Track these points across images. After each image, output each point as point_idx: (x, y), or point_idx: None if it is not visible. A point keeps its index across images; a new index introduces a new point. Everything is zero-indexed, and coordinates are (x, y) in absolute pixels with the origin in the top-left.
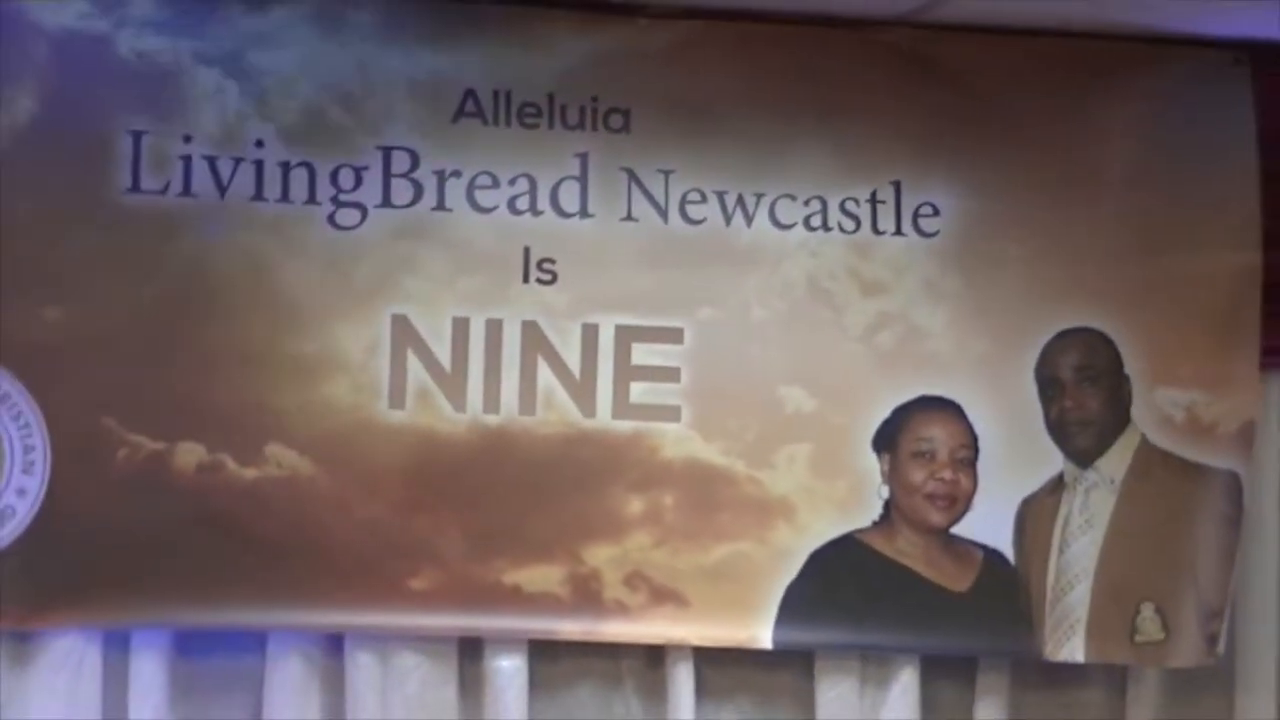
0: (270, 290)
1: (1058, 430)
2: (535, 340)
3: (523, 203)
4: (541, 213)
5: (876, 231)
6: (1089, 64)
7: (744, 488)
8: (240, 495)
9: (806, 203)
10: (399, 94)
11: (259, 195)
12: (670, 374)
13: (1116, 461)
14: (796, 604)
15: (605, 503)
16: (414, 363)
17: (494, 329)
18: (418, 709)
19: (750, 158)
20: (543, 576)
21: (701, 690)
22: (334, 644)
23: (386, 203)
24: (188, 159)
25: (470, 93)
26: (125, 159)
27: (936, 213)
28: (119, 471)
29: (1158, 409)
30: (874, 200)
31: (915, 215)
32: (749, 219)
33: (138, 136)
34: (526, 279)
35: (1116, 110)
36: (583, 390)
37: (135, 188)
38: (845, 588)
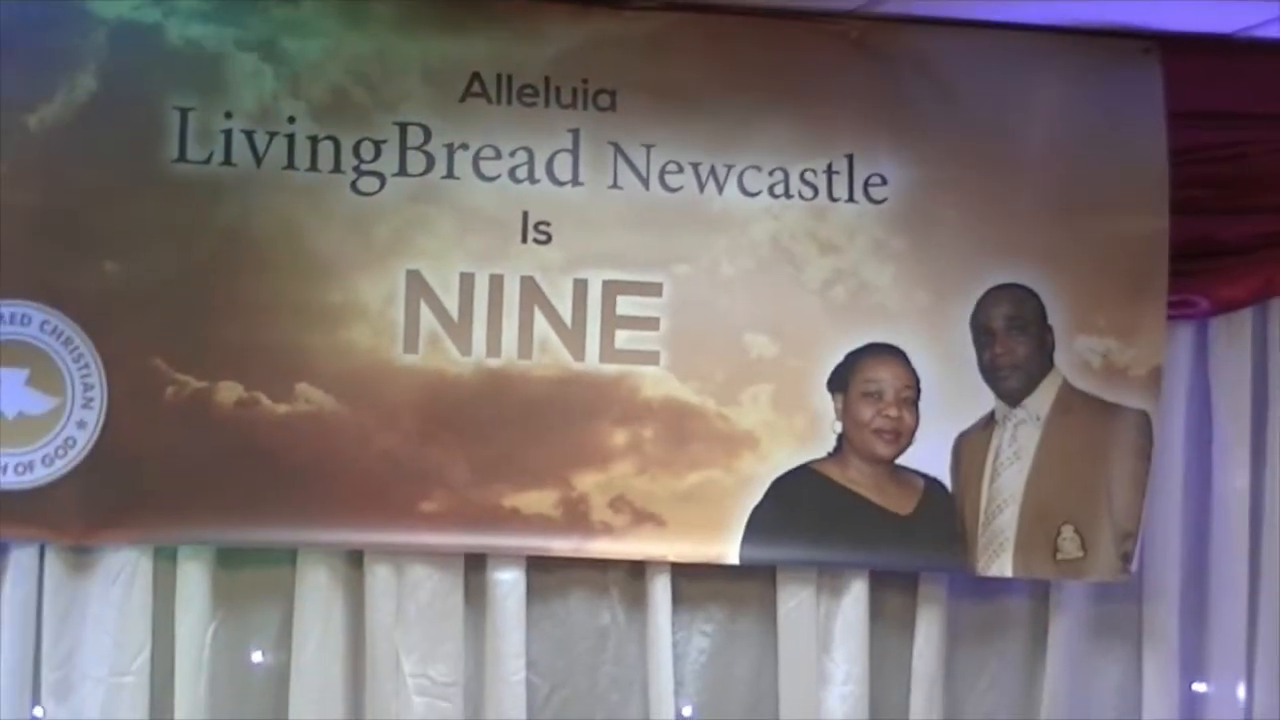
0: (300, 248)
1: (989, 373)
2: (532, 293)
3: (522, 172)
4: (538, 181)
5: (832, 198)
6: (1017, 51)
7: (714, 423)
8: (273, 428)
9: (770, 173)
10: (414, 77)
11: (291, 165)
12: (650, 323)
13: (1041, 401)
14: (760, 525)
15: (593, 436)
16: (426, 312)
17: (496, 283)
18: (429, 615)
19: (721, 133)
20: (538, 500)
21: (677, 599)
22: (355, 556)
23: (402, 172)
24: (228, 133)
25: (476, 75)
26: (173, 133)
27: (884, 182)
28: (167, 407)
29: (1077, 355)
30: (830, 171)
31: (866, 184)
32: (720, 187)
33: (184, 113)
34: (525, 239)
35: (1041, 92)
36: (573, 337)
37: (182, 158)
38: (803, 511)
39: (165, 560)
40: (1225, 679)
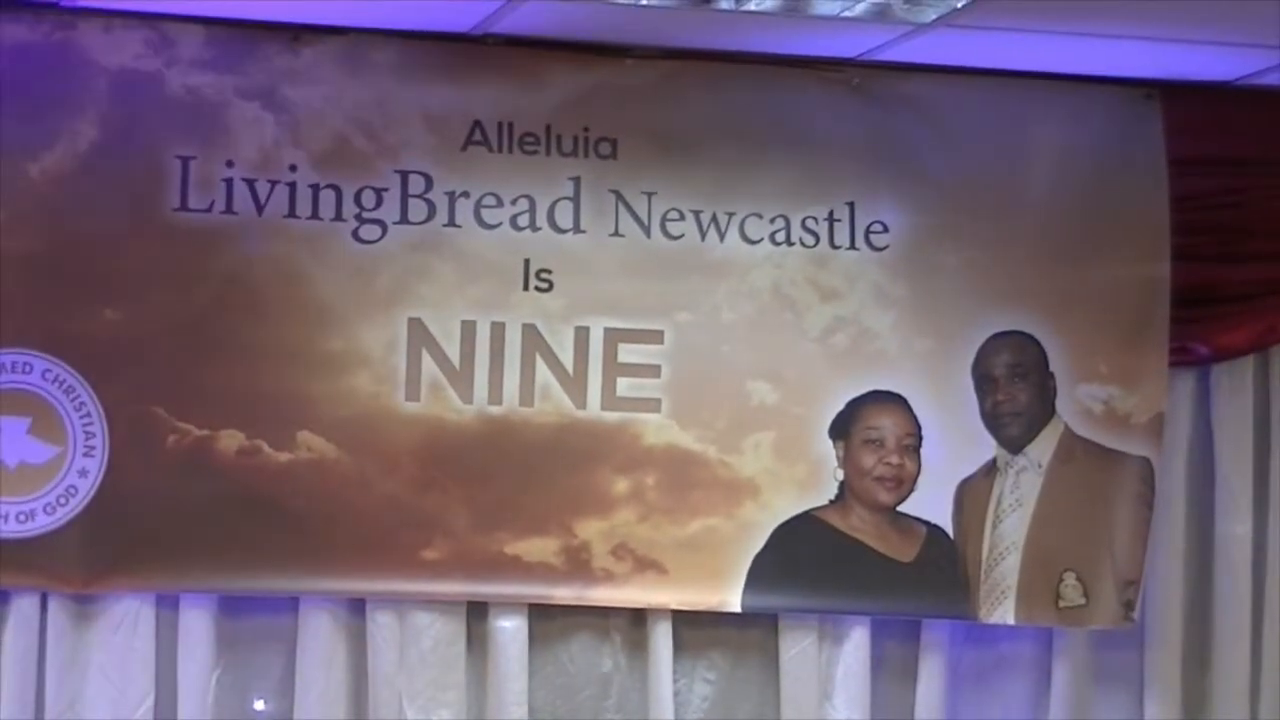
0: (302, 296)
1: (991, 420)
2: (534, 341)
3: (523, 220)
4: (540, 229)
5: (833, 246)
6: (1018, 98)
7: (716, 470)
8: (275, 476)
9: (772, 220)
10: (415, 125)
11: (292, 213)
12: (652, 370)
13: (1043, 448)
14: (762, 572)
15: (594, 483)
16: (427, 360)
17: (498, 330)
18: (431, 662)
19: (723, 181)
20: (540, 548)
21: (679, 646)
22: (357, 604)
23: (404, 220)
24: (230, 181)
25: (477, 124)
26: (174, 181)
27: (885, 229)
28: (168, 455)
29: (1079, 402)
30: (831, 218)
31: (867, 231)
32: (721, 235)
33: (186, 161)
34: (526, 287)
35: (1042, 139)
36: (575, 384)
37: (184, 206)
38: (805, 558)
39: (167, 609)
40: None
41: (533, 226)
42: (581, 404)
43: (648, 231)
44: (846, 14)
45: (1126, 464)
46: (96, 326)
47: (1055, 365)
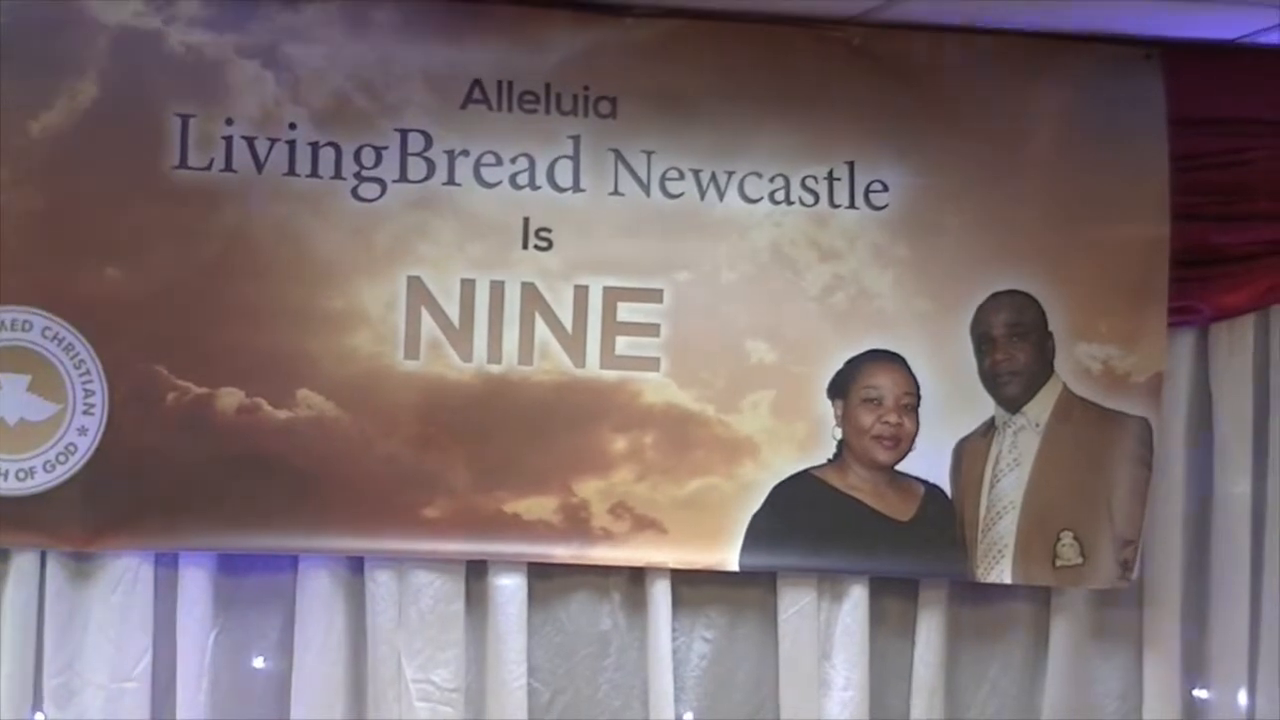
0: (301, 254)
1: (990, 380)
2: (533, 299)
3: (523, 179)
4: (539, 187)
5: (833, 205)
6: (1019, 58)
7: (714, 429)
8: (274, 434)
9: (771, 180)
10: (415, 83)
11: (292, 171)
12: (651, 329)
13: (1041, 408)
14: (760, 531)
15: (593, 442)
16: (426, 318)
17: (497, 289)
18: (431, 620)
19: (722, 140)
20: (539, 506)
21: (678, 605)
22: (356, 563)
23: (403, 178)
24: (229, 139)
25: (477, 82)
26: (174, 139)
27: (885, 189)
28: (168, 413)
29: (1078, 361)
30: (830, 178)
31: (867, 191)
32: (721, 194)
33: (185, 119)
34: (525, 245)
35: (1043, 98)
36: (574, 343)
37: (183, 164)
38: (803, 517)
39: (166, 566)
40: (1227, 684)
41: (532, 185)
42: (580, 363)
43: (647, 190)
44: None
45: (1125, 424)
46: (96, 284)
47: (1054, 324)
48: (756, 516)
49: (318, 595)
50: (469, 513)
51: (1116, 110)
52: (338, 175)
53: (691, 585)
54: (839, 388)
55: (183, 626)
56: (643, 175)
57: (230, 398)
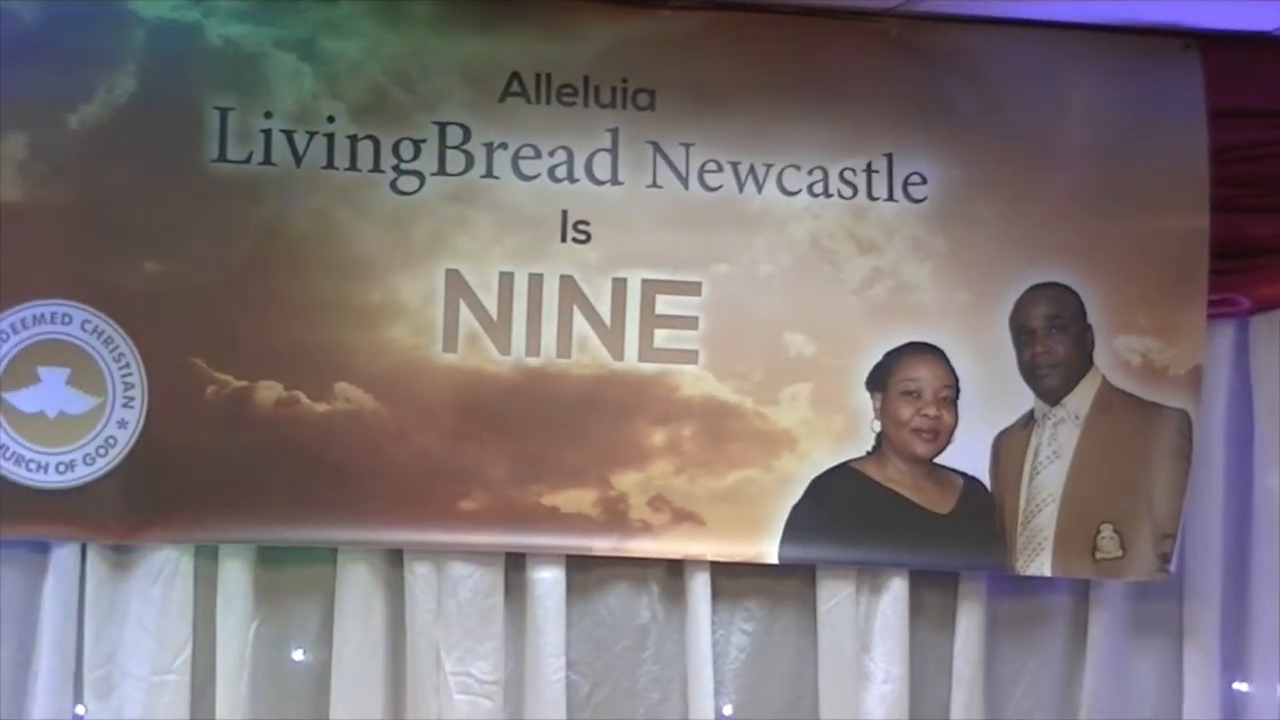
0: (340, 247)
1: (1029, 372)
2: (571, 292)
3: (561, 171)
4: (577, 180)
5: (871, 197)
6: (1057, 50)
7: (752, 422)
8: (313, 427)
9: (810, 172)
10: (453, 76)
11: (330, 164)
12: (689, 322)
13: (1081, 400)
14: (799, 524)
15: (632, 435)
16: (465, 311)
17: (535, 282)
18: (469, 613)
19: (760, 132)
20: (577, 499)
21: (717, 597)
22: (395, 555)
23: (442, 171)
24: (268, 133)
25: (515, 75)
26: (213, 132)
27: (924, 181)
28: (207, 406)
29: (1117, 354)
30: (869, 170)
31: (905, 183)
32: (759, 186)
33: (224, 113)
34: (564, 238)
35: (1081, 90)
36: (612, 336)
37: (222, 158)
38: (842, 510)
39: (206, 559)
40: (1266, 678)
41: (570, 178)
42: (619, 355)
43: (685, 183)
44: None
45: (1164, 416)
46: (135, 277)
47: (1093, 317)
48: (796, 509)
49: (357, 587)
50: (507, 505)
51: (1154, 101)
52: (376, 168)
53: (730, 578)
54: (877, 380)
55: (222, 619)
56: (681, 168)
57: (269, 391)
